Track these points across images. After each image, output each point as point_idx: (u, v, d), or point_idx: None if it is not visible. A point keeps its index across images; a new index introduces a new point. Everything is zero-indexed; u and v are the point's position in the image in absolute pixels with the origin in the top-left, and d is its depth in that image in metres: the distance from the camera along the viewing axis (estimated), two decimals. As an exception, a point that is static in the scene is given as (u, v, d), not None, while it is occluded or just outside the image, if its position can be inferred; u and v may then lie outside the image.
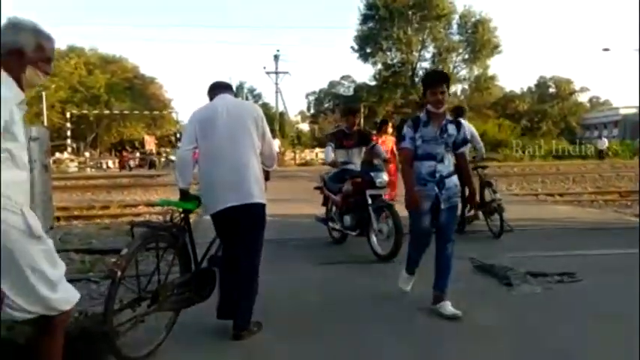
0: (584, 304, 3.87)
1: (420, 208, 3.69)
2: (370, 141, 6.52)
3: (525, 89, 60.93)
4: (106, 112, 43.87)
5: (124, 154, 35.44)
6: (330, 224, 6.29)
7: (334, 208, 6.26)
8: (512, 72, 79.54)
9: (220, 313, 3.38)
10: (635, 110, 54.89)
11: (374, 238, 5.45)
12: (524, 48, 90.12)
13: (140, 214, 10.25)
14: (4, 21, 2.06)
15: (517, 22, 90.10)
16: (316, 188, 6.71)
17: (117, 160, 36.33)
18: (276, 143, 16.92)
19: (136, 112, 46.19)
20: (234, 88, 3.75)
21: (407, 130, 3.74)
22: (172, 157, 35.41)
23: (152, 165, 34.93)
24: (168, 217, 3.27)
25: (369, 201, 5.47)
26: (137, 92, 50.60)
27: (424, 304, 3.77)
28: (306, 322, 3.59)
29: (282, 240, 6.11)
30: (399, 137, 5.19)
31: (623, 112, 56.15)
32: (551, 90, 59.58)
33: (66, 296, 2.06)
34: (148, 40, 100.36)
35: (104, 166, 35.32)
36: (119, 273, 2.69)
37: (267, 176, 3.55)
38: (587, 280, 4.40)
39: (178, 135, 45.34)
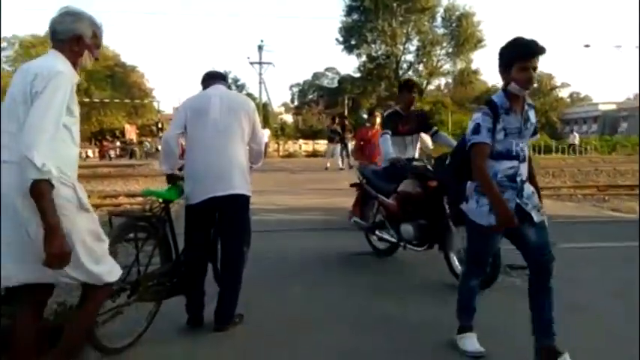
0: (560, 295, 3.93)
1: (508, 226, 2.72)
2: (431, 126, 5.32)
3: (508, 84, 61.37)
4: (86, 100, 43.12)
5: (104, 143, 34.99)
6: (378, 233, 5.05)
7: (379, 213, 5.06)
8: (495, 66, 79.64)
9: (187, 310, 3.31)
10: (613, 106, 56.05)
11: (454, 258, 4.27)
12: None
13: (120, 205, 10.12)
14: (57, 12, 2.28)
15: (500, 17, 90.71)
16: (353, 185, 5.59)
17: (97, 150, 35.78)
18: (266, 133, 16.91)
19: (117, 100, 45.48)
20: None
21: (482, 118, 2.74)
22: (155, 145, 35.11)
23: (133, 155, 34.50)
24: (148, 207, 3.24)
25: (448, 210, 4.16)
26: (118, 80, 49.80)
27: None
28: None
29: (309, 251, 5.37)
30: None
31: (602, 107, 57.25)
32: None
33: (109, 269, 2.25)
34: (129, 27, 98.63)
35: (83, 156, 34.72)
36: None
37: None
38: (565, 272, 4.46)
39: (160, 125, 44.92)
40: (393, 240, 4.80)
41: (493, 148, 2.75)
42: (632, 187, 13.16)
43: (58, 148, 2.02)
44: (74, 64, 2.25)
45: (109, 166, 24.54)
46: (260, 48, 38.11)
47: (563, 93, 64.27)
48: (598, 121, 55.92)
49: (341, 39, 41.68)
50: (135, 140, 40.40)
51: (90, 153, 36.45)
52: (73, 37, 2.24)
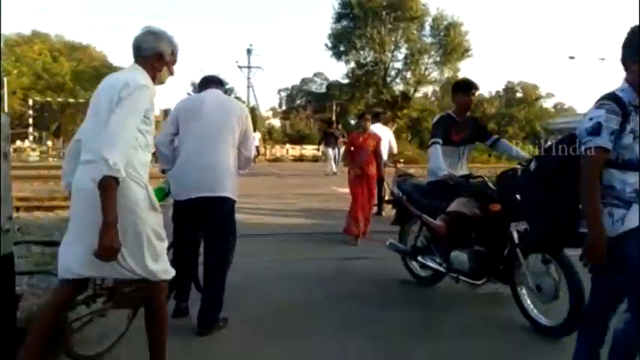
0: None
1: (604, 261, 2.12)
2: (490, 133, 4.51)
3: (494, 93, 62.28)
4: (71, 100, 42.61)
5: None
6: (421, 259, 4.28)
7: (422, 235, 4.37)
8: (482, 76, 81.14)
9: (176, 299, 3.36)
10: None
11: (526, 296, 3.51)
12: (493, 53, 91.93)
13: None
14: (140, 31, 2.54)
15: (487, 28, 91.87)
16: (389, 202, 4.88)
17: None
18: (256, 137, 16.91)
19: None
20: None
21: (606, 116, 2.15)
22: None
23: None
24: None
25: (516, 238, 3.47)
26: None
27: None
28: None
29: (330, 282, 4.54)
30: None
31: (585, 118, 58.05)
32: (519, 95, 61.05)
33: (165, 268, 2.44)
34: (117, 28, 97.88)
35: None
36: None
37: None
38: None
39: (146, 126, 44.50)
40: (441, 269, 4.02)
41: (619, 156, 2.16)
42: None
43: (134, 151, 2.25)
44: (153, 79, 2.49)
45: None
46: (249, 52, 38.14)
47: (548, 103, 65.25)
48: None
49: (330, 45, 41.80)
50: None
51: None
52: (155, 54, 2.53)
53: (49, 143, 38.90)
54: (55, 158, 32.32)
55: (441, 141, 4.09)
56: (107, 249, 2.09)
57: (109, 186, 2.10)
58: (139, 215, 2.26)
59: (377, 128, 8.33)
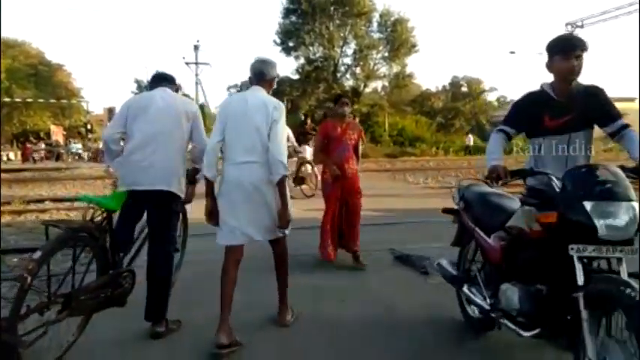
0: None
1: None
2: (613, 118, 2.81)
3: (440, 88, 64.02)
4: (6, 99, 40.29)
5: (27, 145, 32.77)
6: (466, 290, 3.15)
7: (475, 258, 3.23)
8: (428, 71, 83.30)
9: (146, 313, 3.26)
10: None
11: None
12: (439, 48, 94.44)
13: (46, 211, 9.52)
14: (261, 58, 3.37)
15: (432, 24, 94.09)
16: (447, 211, 3.56)
17: (19, 152, 33.55)
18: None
19: (41, 100, 42.87)
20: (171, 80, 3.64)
21: None
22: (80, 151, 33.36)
23: (59, 157, 32.67)
24: (88, 216, 3.06)
25: (580, 273, 2.20)
26: (43, 79, 46.86)
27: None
28: None
29: None
30: None
31: (526, 111, 60.74)
32: (464, 89, 63.00)
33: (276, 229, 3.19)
34: (56, 24, 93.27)
35: (4, 158, 32.43)
36: (29, 278, 2.45)
37: (194, 175, 3.46)
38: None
39: (89, 126, 42.79)
40: (485, 305, 2.87)
41: None
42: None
43: None
44: None
45: (33, 169, 23.02)
46: (196, 48, 37.25)
47: (491, 97, 67.73)
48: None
49: (279, 41, 41.62)
50: (61, 142, 38.22)
51: (12, 156, 34.08)
52: (271, 79, 3.34)
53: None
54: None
55: (507, 128, 2.95)
56: (287, 221, 3.12)
57: (284, 182, 3.08)
58: (270, 193, 3.10)
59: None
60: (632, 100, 54.01)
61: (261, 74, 3.26)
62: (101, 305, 3.03)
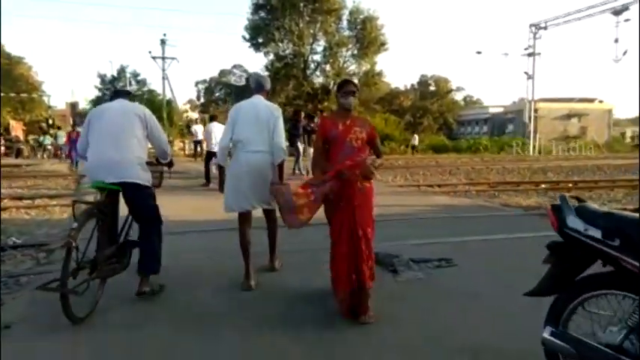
0: (459, 285, 4.21)
1: None
2: None
3: (409, 86, 64.80)
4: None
5: (-15, 141, 31.49)
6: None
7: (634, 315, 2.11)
8: (397, 69, 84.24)
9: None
10: (501, 109, 61.14)
11: None
12: (408, 47, 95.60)
13: (6, 209, 9.17)
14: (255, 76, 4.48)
15: (401, 22, 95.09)
16: (558, 250, 2.36)
17: (-24, 148, 32.20)
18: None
19: (0, 94, 41.30)
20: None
21: None
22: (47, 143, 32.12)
23: (19, 153, 31.54)
24: (101, 197, 3.68)
25: None
26: (2, 73, 45.11)
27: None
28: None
29: None
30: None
31: (492, 110, 62.18)
32: (432, 88, 63.98)
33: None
34: (16, 16, 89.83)
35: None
36: (74, 243, 3.21)
37: (170, 164, 4.38)
38: (461, 264, 4.80)
39: (50, 121, 41.47)
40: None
41: None
42: (519, 183, 14.45)
43: None
44: None
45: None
46: (163, 42, 36.59)
47: (458, 96, 69.07)
48: (488, 123, 60.66)
49: (248, 37, 41.25)
50: (21, 137, 36.90)
51: (-32, 152, 32.67)
52: (267, 89, 4.40)
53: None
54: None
55: None
56: (280, 184, 3.88)
57: (283, 165, 4.16)
58: (268, 174, 4.07)
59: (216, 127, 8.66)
60: (591, 100, 56.14)
61: (261, 85, 4.35)
62: (113, 271, 3.76)
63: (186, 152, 31.40)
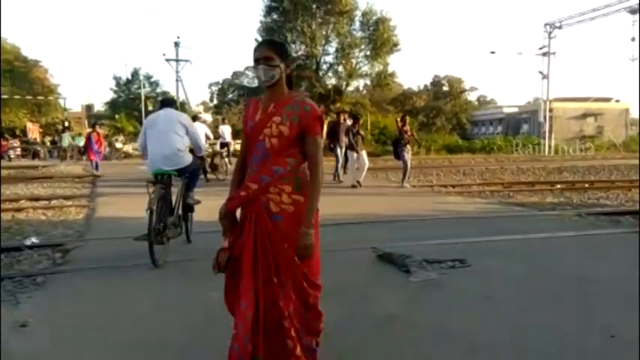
0: (473, 287, 4.17)
1: None
2: None
3: (422, 87, 64.49)
4: (-19, 96, 39.34)
5: (3, 142, 31.99)
6: None
7: None
8: (410, 70, 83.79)
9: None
10: (515, 109, 60.57)
11: None
12: (420, 48, 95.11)
13: (22, 210, 9.31)
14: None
15: (414, 23, 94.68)
16: None
17: (-6, 150, 32.76)
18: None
19: (17, 96, 41.98)
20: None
21: None
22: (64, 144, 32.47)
23: (36, 155, 32.00)
24: (165, 179, 5.17)
25: None
26: (19, 76, 45.81)
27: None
28: None
29: None
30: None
31: (506, 110, 61.58)
32: (445, 88, 63.59)
33: None
34: (33, 19, 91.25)
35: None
36: (153, 207, 4.70)
37: (201, 158, 6.34)
38: (475, 264, 4.75)
39: (66, 123, 42.05)
40: None
41: None
42: (533, 183, 14.30)
43: None
44: None
45: (9, 167, 22.52)
46: (176, 45, 36.92)
47: (472, 96, 68.55)
48: (502, 123, 60.09)
49: (260, 39, 41.44)
50: (38, 139, 37.45)
51: (-15, 154, 33.24)
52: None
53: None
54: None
55: None
56: None
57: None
58: None
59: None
60: (608, 100, 55.31)
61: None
62: (174, 234, 5.20)
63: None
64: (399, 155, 12.07)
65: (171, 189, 5.29)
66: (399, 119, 12.85)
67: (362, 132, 12.63)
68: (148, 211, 4.67)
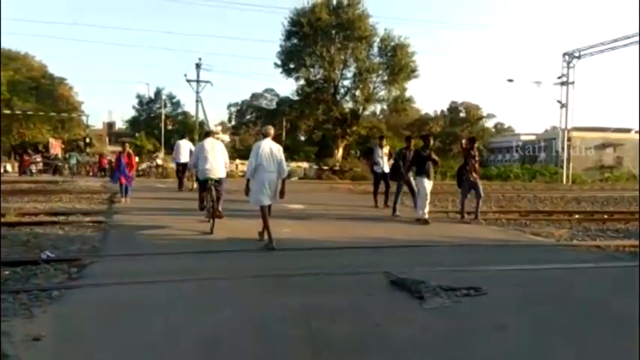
0: (488, 315, 4.10)
1: None
2: None
3: (439, 112, 64.62)
4: (7, 111, 40.37)
5: (25, 157, 32.68)
6: None
7: None
8: (427, 96, 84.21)
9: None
10: (533, 137, 60.15)
11: None
12: (438, 74, 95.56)
13: (42, 224, 9.46)
14: None
15: (432, 50, 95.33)
16: None
17: (16, 164, 33.47)
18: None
19: (41, 113, 43.00)
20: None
21: None
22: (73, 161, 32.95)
23: (57, 171, 32.57)
24: (211, 181, 8.57)
25: None
26: (44, 93, 47.07)
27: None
28: None
29: None
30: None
31: (523, 138, 61.23)
32: (462, 115, 63.63)
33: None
34: (61, 39, 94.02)
35: (1, 170, 32.26)
36: (209, 195, 8.40)
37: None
38: (491, 293, 4.67)
39: (88, 140, 42.83)
40: None
41: None
42: (551, 212, 14.08)
43: None
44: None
45: (30, 182, 22.93)
46: (198, 66, 37.58)
47: (489, 123, 68.44)
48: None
49: (280, 63, 42.07)
50: (60, 155, 38.18)
51: (9, 167, 33.96)
52: (273, 135, 7.50)
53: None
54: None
55: None
56: (283, 193, 7.24)
57: (284, 178, 7.25)
58: (275, 182, 7.20)
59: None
60: (628, 131, 54.69)
61: (269, 134, 7.40)
62: (214, 216, 8.13)
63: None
64: (462, 184, 11.07)
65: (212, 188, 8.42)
66: (464, 141, 11.49)
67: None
68: (208, 195, 8.45)
